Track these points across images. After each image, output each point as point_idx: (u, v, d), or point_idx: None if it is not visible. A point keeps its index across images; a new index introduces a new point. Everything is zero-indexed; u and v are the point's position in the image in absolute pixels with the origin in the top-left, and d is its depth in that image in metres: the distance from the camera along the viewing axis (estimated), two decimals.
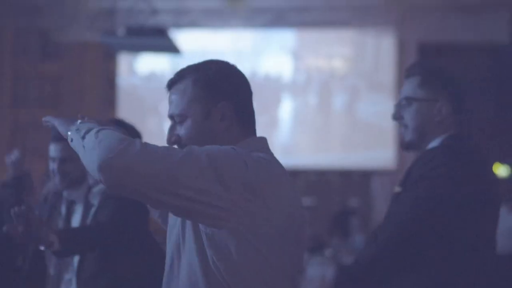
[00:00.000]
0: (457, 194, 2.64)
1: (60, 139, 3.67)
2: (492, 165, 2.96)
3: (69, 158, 3.59)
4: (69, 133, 2.08)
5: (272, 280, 2.02)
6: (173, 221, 2.14)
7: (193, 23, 10.79)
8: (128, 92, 11.60)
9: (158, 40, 7.95)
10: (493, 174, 2.94)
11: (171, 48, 8.31)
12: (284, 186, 2.05)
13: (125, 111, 10.89)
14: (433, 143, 2.81)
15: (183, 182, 1.90)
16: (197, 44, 11.14)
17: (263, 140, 2.16)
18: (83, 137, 1.99)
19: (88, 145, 1.96)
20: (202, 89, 2.09)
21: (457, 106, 2.86)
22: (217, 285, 1.98)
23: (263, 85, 11.03)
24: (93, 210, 3.46)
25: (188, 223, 2.03)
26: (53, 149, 3.64)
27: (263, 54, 11.49)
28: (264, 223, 1.97)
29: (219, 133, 2.09)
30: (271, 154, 2.11)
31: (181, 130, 2.11)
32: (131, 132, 3.49)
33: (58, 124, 2.16)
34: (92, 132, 1.98)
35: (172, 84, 2.14)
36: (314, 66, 11.57)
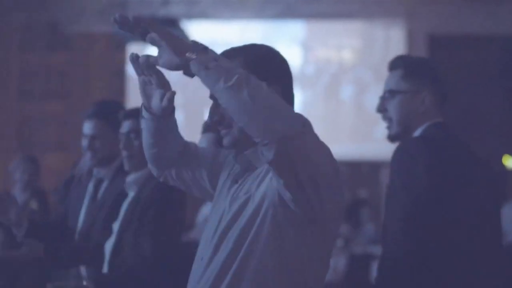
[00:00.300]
0: (437, 185, 2.65)
1: (93, 116, 3.66)
2: (475, 151, 2.93)
3: (100, 135, 3.61)
4: (197, 54, 1.88)
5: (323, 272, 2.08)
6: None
7: (204, 14, 10.80)
8: (138, 82, 11.59)
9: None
10: (483, 159, 2.93)
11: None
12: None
13: (134, 102, 10.90)
14: (416, 133, 2.84)
15: (327, 175, 1.92)
16: (207, 35, 11.15)
17: None
18: (248, 83, 1.83)
19: (265, 100, 1.83)
20: (251, 70, 2.00)
21: (440, 96, 2.89)
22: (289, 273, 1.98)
23: None
24: (127, 201, 3.39)
25: (269, 214, 1.99)
26: (86, 126, 3.64)
27: (272, 45, 11.48)
28: (333, 216, 2.00)
29: None
30: None
31: (224, 110, 2.02)
32: None
33: (169, 38, 1.92)
34: (262, 85, 1.85)
35: None
36: (323, 58, 11.56)
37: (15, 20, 11.47)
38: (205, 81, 1.85)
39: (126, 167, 3.43)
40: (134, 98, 11.19)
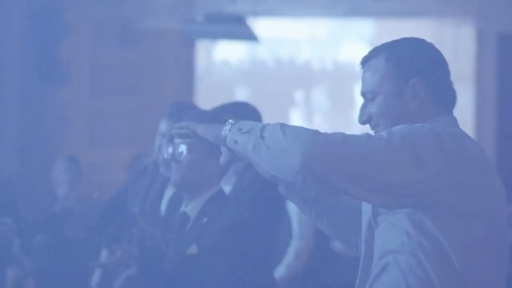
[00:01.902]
0: None
1: (175, 116, 3.46)
2: None
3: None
4: (227, 135, 1.98)
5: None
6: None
7: (271, 11, 10.82)
8: (206, 79, 11.68)
9: (237, 28, 7.95)
10: None
11: (249, 36, 8.31)
12: (484, 173, 1.96)
13: (203, 99, 10.98)
14: None
15: (387, 174, 1.85)
16: (275, 32, 11.17)
17: (455, 120, 2.08)
18: (262, 137, 1.89)
19: (277, 144, 1.87)
20: (394, 66, 2.04)
21: None
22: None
23: (337, 74, 10.99)
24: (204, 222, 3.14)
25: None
26: (166, 126, 3.58)
27: (340, 44, 11.44)
28: (452, 209, 1.89)
29: (411, 111, 2.01)
30: (465, 133, 2.02)
31: (372, 108, 2.05)
32: (255, 115, 3.51)
33: (202, 130, 2.08)
34: (276, 129, 1.89)
35: (365, 61, 2.13)
36: None
37: (86, 15, 11.65)
38: (242, 152, 1.96)
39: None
40: (202, 94, 11.28)
